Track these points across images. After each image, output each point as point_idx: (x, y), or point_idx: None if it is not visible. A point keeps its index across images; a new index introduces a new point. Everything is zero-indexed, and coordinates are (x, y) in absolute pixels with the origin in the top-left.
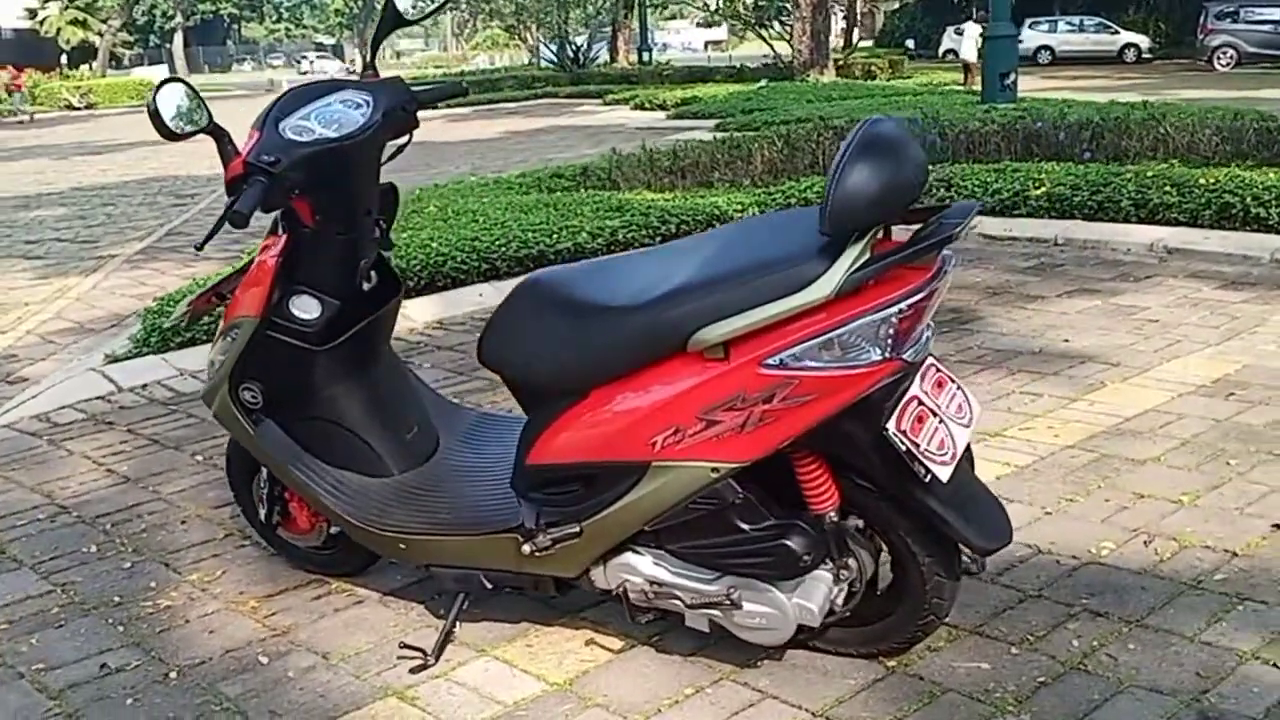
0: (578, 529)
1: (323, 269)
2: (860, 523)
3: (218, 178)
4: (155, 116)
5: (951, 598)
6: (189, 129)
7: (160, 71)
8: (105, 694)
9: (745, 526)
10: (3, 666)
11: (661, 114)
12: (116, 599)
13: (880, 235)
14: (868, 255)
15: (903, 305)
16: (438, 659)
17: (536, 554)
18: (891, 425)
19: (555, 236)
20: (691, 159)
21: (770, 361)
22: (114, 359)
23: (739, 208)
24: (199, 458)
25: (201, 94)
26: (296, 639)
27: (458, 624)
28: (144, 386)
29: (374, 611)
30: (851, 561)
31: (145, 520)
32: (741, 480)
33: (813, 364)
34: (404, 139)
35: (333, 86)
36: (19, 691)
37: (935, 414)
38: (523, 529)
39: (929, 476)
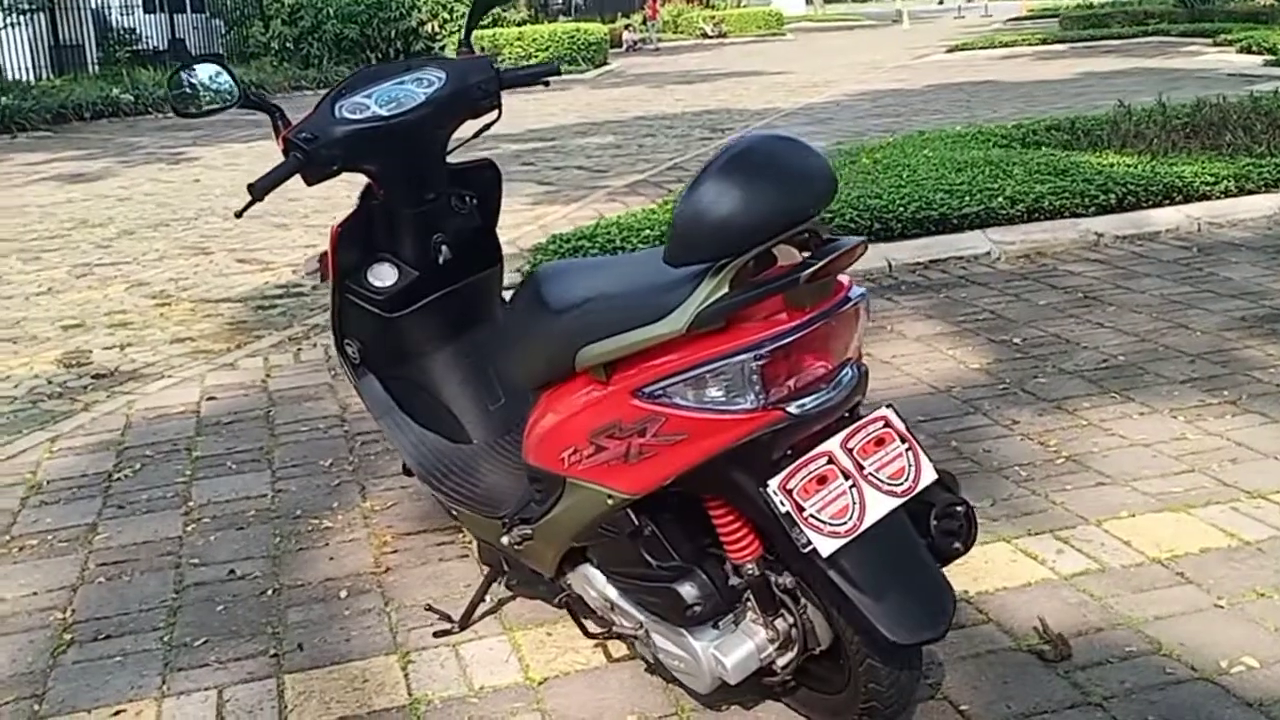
0: (530, 530)
1: (397, 240)
2: (791, 581)
3: (768, 110)
4: (171, 99)
5: (896, 688)
6: (211, 107)
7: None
8: (210, 596)
9: (652, 562)
10: (170, 555)
11: (1260, 59)
12: (299, 512)
13: (753, 265)
14: (725, 290)
15: (761, 350)
16: (463, 627)
17: (515, 546)
18: (774, 483)
19: (965, 199)
20: (1208, 118)
21: (641, 392)
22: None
23: (1209, 180)
24: None
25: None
26: (385, 580)
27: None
28: None
29: (468, 570)
30: (782, 622)
31: (385, 443)
32: (662, 514)
33: (680, 402)
34: (489, 117)
35: (411, 65)
36: (159, 580)
37: (850, 476)
38: (504, 519)
39: (809, 547)
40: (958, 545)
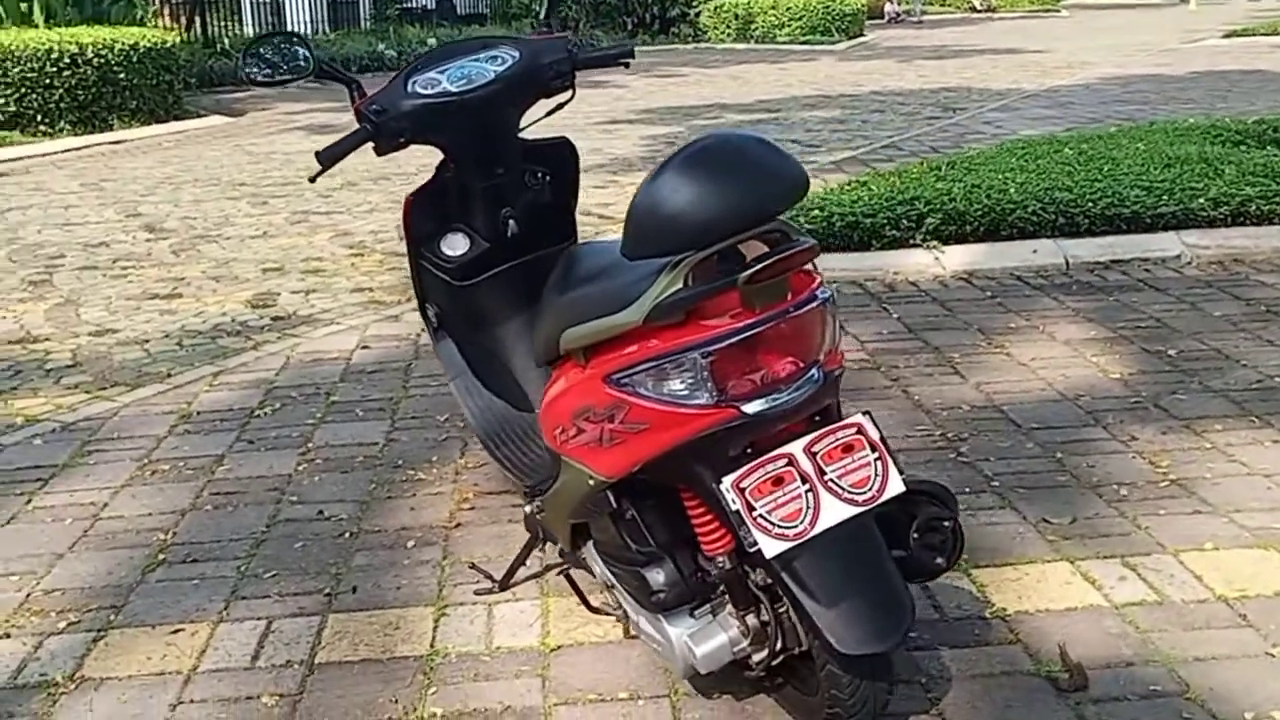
0: (539, 503)
1: (469, 211)
2: (766, 578)
3: (1010, 91)
4: (244, 67)
5: (858, 697)
6: (284, 78)
7: None
8: (293, 533)
9: (630, 545)
10: (275, 491)
11: None
12: (400, 462)
13: (718, 262)
14: (679, 285)
15: (709, 348)
16: (502, 588)
17: (536, 515)
18: (728, 480)
19: (1164, 197)
20: None
21: (610, 378)
22: None
23: None
24: None
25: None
26: (452, 535)
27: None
28: None
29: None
30: (754, 619)
31: None
32: (644, 499)
33: (643, 392)
34: (562, 97)
35: (489, 43)
36: (257, 513)
37: (807, 480)
38: (529, 489)
39: (754, 547)
40: (940, 561)
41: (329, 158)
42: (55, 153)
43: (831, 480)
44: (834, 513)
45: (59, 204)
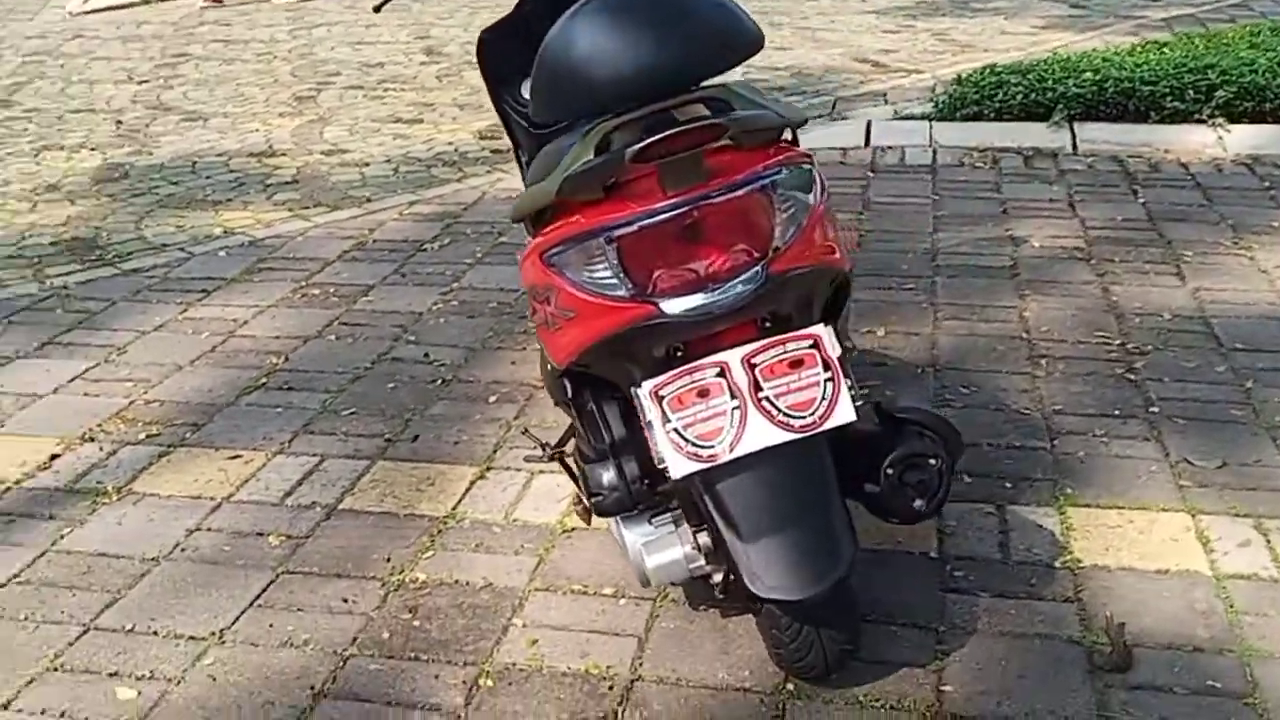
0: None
1: None
2: None
3: None
4: None
5: (800, 642)
6: None
7: None
8: (391, 374)
9: (588, 439)
10: (399, 329)
11: None
12: (526, 314)
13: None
14: (589, 155)
15: (613, 231)
16: (550, 459)
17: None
18: (647, 385)
19: None
20: None
21: (543, 256)
22: (900, 115)
23: None
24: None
25: None
26: (535, 396)
27: None
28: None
29: None
30: (706, 537)
31: None
32: (609, 395)
33: (569, 275)
34: None
35: None
36: (369, 349)
37: (737, 396)
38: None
39: (661, 463)
40: (919, 504)
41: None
42: None
43: (767, 399)
44: (760, 436)
45: (362, 23)
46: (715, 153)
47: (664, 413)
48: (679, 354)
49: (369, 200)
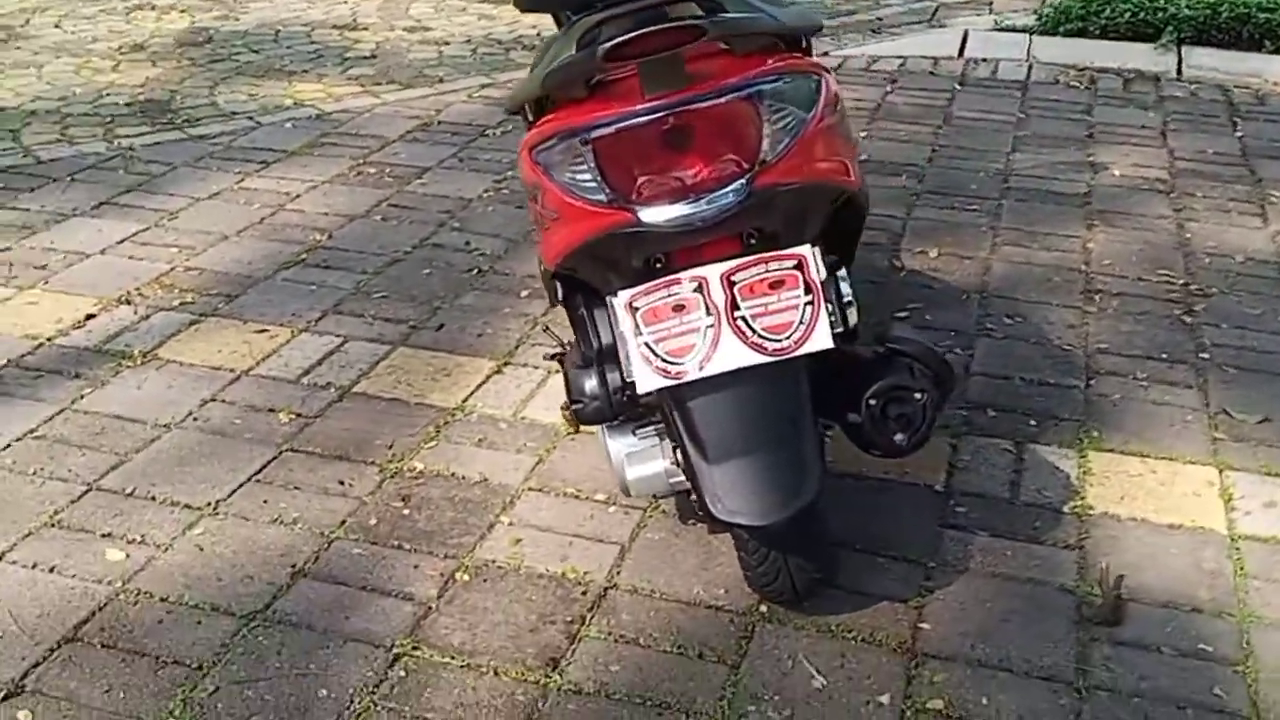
0: None
1: None
2: None
3: None
4: None
5: (767, 565)
6: None
7: None
8: (430, 259)
9: (579, 343)
10: (446, 214)
11: None
12: None
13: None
14: (570, 51)
15: (588, 133)
16: (553, 358)
17: None
18: (623, 295)
19: None
20: None
21: (531, 152)
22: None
23: None
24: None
25: None
26: None
27: None
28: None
29: None
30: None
31: None
32: (597, 299)
33: (554, 175)
34: None
35: None
36: (412, 231)
37: (713, 313)
38: None
39: (630, 377)
40: (900, 438)
41: None
42: None
43: (743, 319)
44: (731, 357)
45: None
46: (703, 57)
47: (637, 325)
48: (659, 265)
49: (441, 80)
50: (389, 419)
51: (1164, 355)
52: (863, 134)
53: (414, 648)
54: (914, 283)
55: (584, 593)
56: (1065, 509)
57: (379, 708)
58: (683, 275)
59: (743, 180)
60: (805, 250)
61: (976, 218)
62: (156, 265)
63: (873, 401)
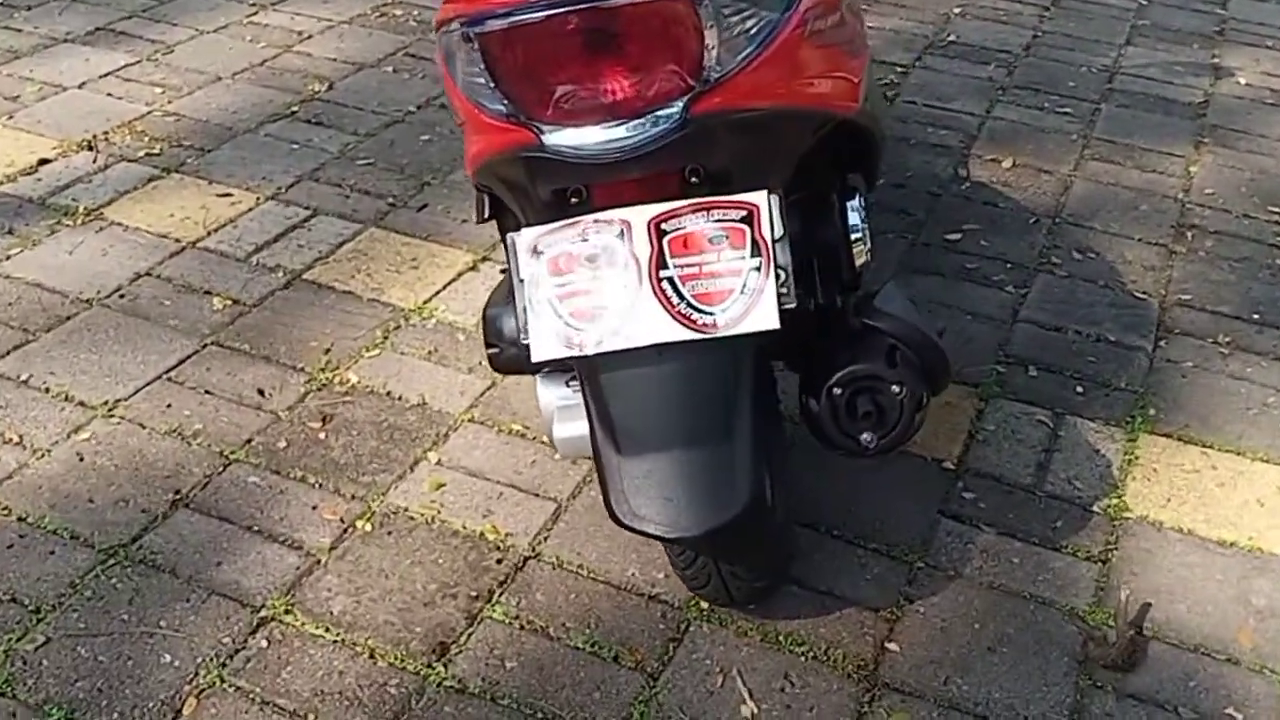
0: None
1: None
2: None
3: None
4: None
5: (698, 573)
6: None
7: None
8: (432, 124)
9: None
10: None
11: None
12: None
13: None
14: None
15: (474, 25)
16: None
17: None
18: (527, 234)
19: None
20: None
21: (439, 34)
22: None
23: None
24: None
25: None
26: None
27: None
28: None
29: None
30: None
31: None
32: None
33: (454, 71)
34: None
35: None
36: (423, 89)
37: (633, 268)
38: None
39: (525, 339)
40: (867, 437)
41: None
42: None
43: (670, 280)
44: (648, 328)
45: None
46: None
47: (539, 274)
48: (576, 202)
49: None
50: (335, 316)
51: (1255, 316)
52: (956, 9)
53: (286, 611)
54: (977, 197)
55: (499, 561)
56: (1096, 507)
57: (224, 685)
58: (603, 217)
59: (678, 105)
60: (759, 199)
61: (1066, 122)
62: (134, 106)
63: (838, 390)
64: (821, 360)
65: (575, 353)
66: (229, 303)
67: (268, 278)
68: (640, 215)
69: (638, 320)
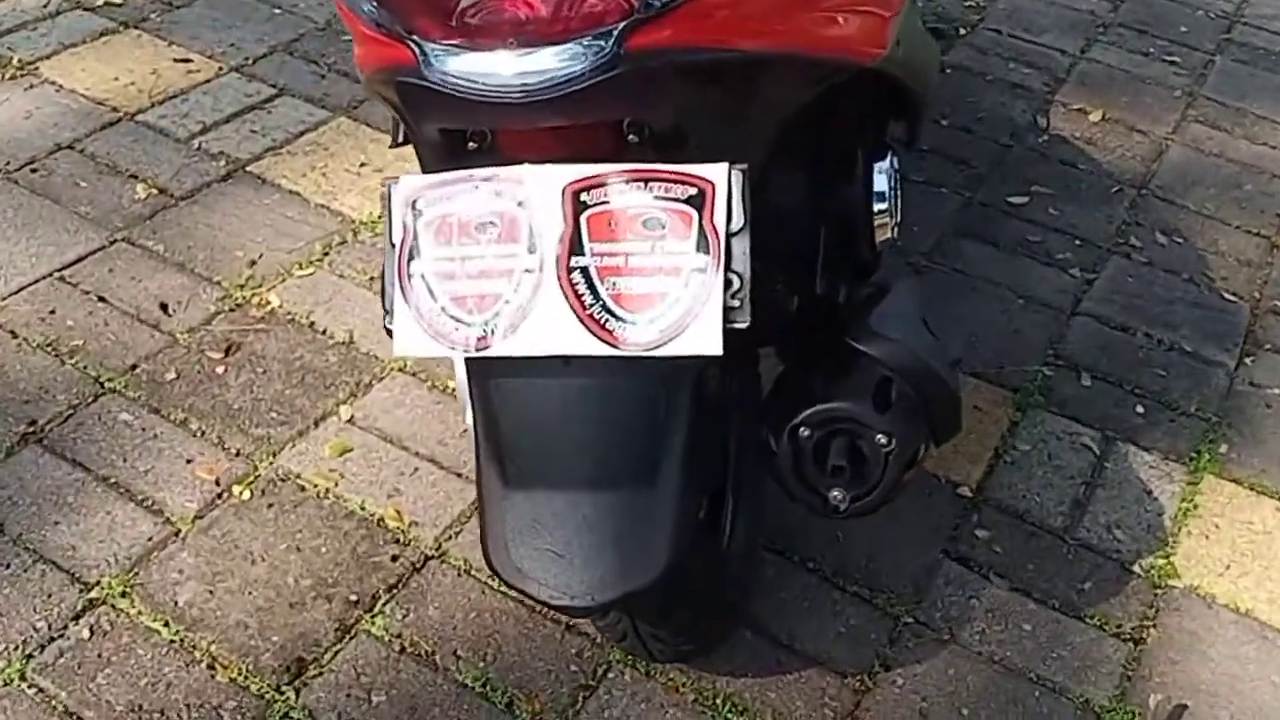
0: None
1: None
2: None
3: None
4: None
5: (611, 628)
6: None
7: None
8: None
9: None
10: None
11: None
12: None
13: None
14: None
15: None
16: None
17: None
18: (405, 186)
19: None
20: None
21: None
22: None
23: None
24: None
25: None
26: None
27: None
28: None
29: None
30: None
31: None
32: None
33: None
34: None
35: None
36: None
37: (539, 250)
38: None
39: (389, 320)
40: (837, 495)
41: None
42: None
43: (582, 271)
44: (548, 334)
45: None
46: None
47: (413, 239)
48: (475, 148)
49: None
50: (271, 220)
51: None
52: None
53: (122, 593)
54: (1054, 154)
55: (394, 557)
56: (1137, 567)
57: (23, 684)
58: (502, 174)
59: (609, 34)
60: (717, 174)
61: (1172, 74)
62: None
63: (804, 431)
64: (791, 384)
65: (448, 352)
66: (154, 191)
67: (206, 165)
68: (555, 177)
69: (536, 319)
